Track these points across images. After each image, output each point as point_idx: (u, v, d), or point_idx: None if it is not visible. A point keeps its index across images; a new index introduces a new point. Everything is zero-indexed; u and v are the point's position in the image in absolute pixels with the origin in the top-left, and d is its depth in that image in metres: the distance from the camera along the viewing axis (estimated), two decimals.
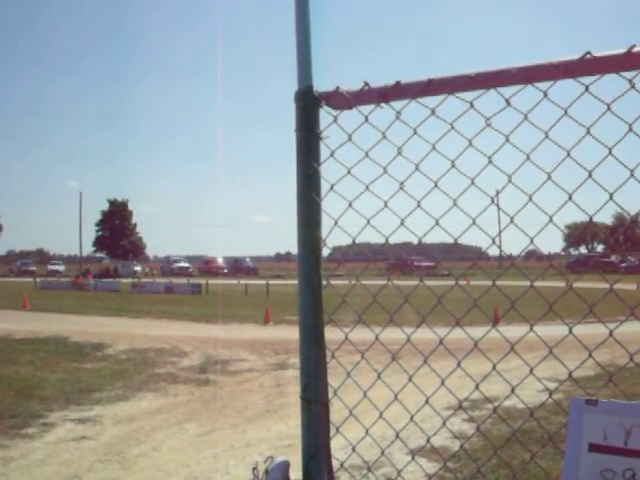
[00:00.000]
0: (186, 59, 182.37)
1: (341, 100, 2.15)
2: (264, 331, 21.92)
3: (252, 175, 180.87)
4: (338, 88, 2.16)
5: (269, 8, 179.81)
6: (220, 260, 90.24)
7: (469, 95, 1.96)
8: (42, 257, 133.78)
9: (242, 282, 51.99)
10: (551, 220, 1.86)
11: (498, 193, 1.95)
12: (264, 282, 45.42)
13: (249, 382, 12.90)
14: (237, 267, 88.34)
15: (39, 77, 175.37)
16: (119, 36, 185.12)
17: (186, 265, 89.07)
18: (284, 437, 8.79)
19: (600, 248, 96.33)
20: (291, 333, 20.14)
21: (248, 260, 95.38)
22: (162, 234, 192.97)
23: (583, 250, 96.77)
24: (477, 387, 2.10)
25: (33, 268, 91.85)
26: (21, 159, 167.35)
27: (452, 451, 7.51)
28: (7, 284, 61.79)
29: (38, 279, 62.17)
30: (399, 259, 60.84)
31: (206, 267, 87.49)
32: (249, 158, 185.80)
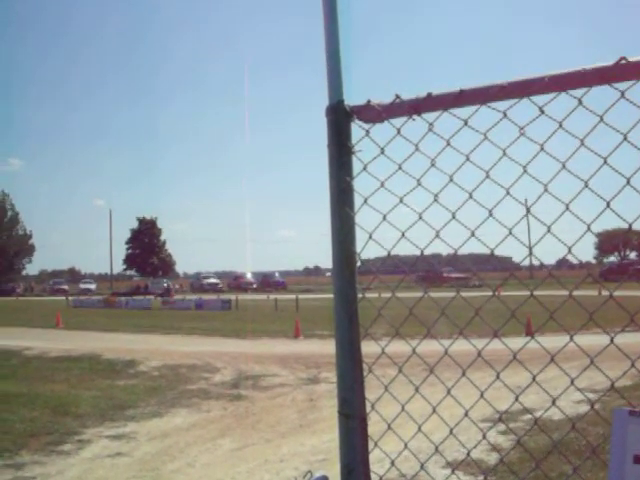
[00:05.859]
0: (215, 80, 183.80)
1: (372, 113, 2.15)
2: (295, 346, 21.88)
3: (276, 190, 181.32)
4: (369, 101, 2.16)
5: (297, 31, 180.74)
6: (249, 275, 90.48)
7: (502, 105, 1.95)
8: (74, 276, 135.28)
9: (271, 297, 52.06)
10: (589, 229, 1.84)
11: (533, 203, 1.93)
12: (293, 297, 45.37)
13: (281, 397, 12.88)
14: (266, 282, 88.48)
15: (67, 97, 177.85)
16: (146, 56, 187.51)
17: (216, 281, 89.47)
18: (318, 452, 8.75)
19: (633, 255, 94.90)
20: (322, 347, 20.13)
21: (277, 275, 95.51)
22: (191, 251, 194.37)
23: (614, 258, 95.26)
24: (517, 399, 2.07)
25: (65, 287, 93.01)
26: (50, 180, 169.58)
27: (488, 464, 7.42)
28: (40, 303, 62.60)
29: (70, 297, 62.89)
30: (429, 271, 60.59)
31: (235, 283, 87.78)
32: (272, 171, 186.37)
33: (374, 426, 2.44)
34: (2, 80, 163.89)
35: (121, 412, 11.55)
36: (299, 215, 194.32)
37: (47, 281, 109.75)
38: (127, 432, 10.17)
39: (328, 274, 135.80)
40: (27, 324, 33.86)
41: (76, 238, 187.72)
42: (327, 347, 19.83)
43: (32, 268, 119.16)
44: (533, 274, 62.22)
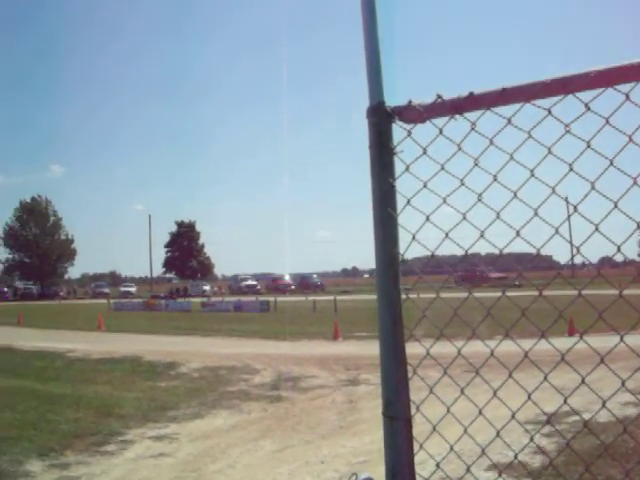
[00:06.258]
0: (253, 83, 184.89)
1: (414, 114, 2.14)
2: (334, 347, 21.89)
3: (313, 190, 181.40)
4: (410, 102, 2.15)
5: (335, 35, 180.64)
6: (287, 277, 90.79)
7: (546, 102, 1.92)
8: (114, 279, 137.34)
9: (310, 298, 52.13)
10: (639, 226, 1.80)
11: (581, 201, 1.89)
12: (331, 298, 45.38)
13: (321, 398, 12.89)
14: (304, 284, 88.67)
15: (106, 104, 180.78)
16: (183, 61, 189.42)
17: (254, 283, 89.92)
18: (359, 453, 8.74)
19: None
20: (361, 349, 20.10)
21: (315, 276, 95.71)
22: (229, 253, 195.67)
23: None
24: (565, 401, 2.04)
25: (106, 290, 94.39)
26: (91, 186, 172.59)
27: (532, 467, 7.32)
28: (82, 306, 63.64)
29: (111, 300, 63.80)
30: (468, 270, 60.08)
31: (273, 285, 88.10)
32: (309, 172, 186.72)
33: (416, 427, 2.43)
34: (43, 89, 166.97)
35: (163, 413, 11.67)
36: (337, 216, 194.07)
37: (89, 285, 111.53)
38: (169, 433, 10.27)
39: (366, 275, 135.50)
40: (70, 327, 34.47)
41: (117, 242, 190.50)
42: (366, 349, 19.79)
43: (74, 272, 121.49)
44: (575, 273, 61.37)
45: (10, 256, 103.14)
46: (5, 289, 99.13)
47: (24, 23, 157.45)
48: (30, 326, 36.03)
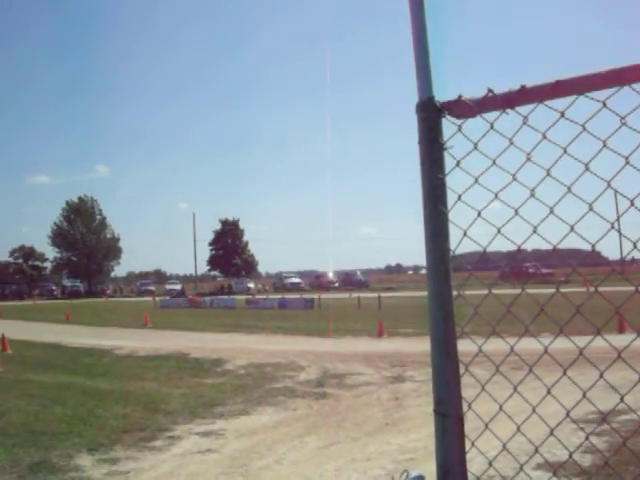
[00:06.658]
0: (295, 82, 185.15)
1: (464, 109, 2.11)
2: (378, 344, 21.84)
3: (356, 186, 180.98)
4: (461, 97, 2.13)
5: (383, 32, 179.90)
6: (331, 274, 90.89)
7: (601, 94, 1.88)
8: (160, 277, 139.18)
9: (354, 295, 52.08)
10: None
11: (637, 196, 1.84)
12: (375, 295, 45.27)
13: (366, 395, 12.87)
14: (348, 281, 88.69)
15: (150, 104, 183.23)
16: (228, 60, 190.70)
17: (298, 280, 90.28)
18: (405, 451, 8.70)
19: None
20: (406, 346, 20.04)
21: (359, 273, 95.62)
22: (273, 251, 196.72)
23: None
24: (622, 399, 2.00)
25: (152, 288, 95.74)
26: (136, 185, 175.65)
27: (583, 466, 7.20)
28: (129, 304, 64.62)
29: (157, 298, 64.67)
30: (514, 267, 59.33)
31: (317, 282, 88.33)
32: (352, 168, 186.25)
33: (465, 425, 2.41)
34: (89, 90, 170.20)
35: (209, 410, 11.79)
36: (380, 212, 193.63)
37: (134, 282, 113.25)
38: (216, 429, 10.37)
39: (410, 272, 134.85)
40: (117, 324, 35.06)
41: (161, 240, 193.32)
42: (411, 345, 19.74)
43: (120, 270, 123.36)
44: (624, 269, 60.11)
45: (58, 255, 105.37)
46: (53, 287, 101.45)
47: (70, 24, 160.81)
48: (78, 323, 36.80)
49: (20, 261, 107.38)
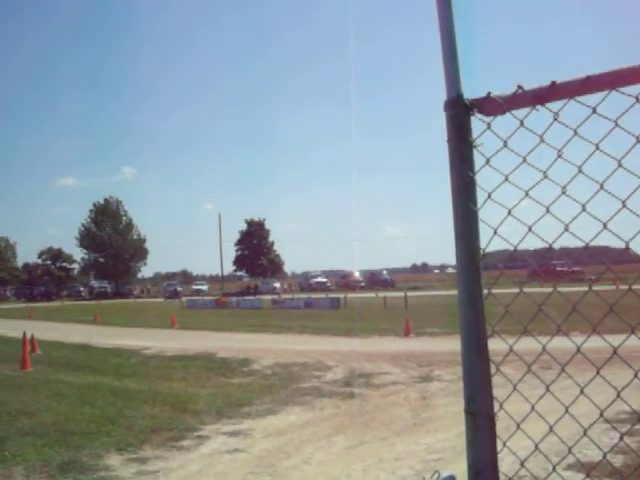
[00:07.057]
0: (317, 80, 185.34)
1: (493, 106, 2.10)
2: (405, 344, 21.75)
3: (381, 185, 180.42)
4: (490, 94, 2.11)
5: (410, 30, 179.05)
6: (357, 274, 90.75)
7: (634, 89, 1.85)
8: (186, 278, 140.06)
9: (380, 295, 51.96)
10: None
11: None
12: (402, 294, 45.11)
13: (394, 395, 12.82)
14: (374, 280, 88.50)
15: (176, 106, 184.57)
16: (252, 61, 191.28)
17: (324, 280, 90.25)
18: (433, 451, 8.66)
19: None
20: (433, 345, 19.95)
21: (385, 273, 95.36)
22: (299, 251, 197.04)
23: None
24: None
25: (179, 288, 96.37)
26: (162, 186, 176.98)
27: (615, 467, 7.10)
28: (156, 304, 65.08)
29: (184, 298, 65.06)
30: (542, 265, 58.83)
31: (343, 281, 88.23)
32: (377, 168, 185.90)
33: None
34: (115, 92, 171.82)
35: (237, 409, 11.82)
36: (405, 212, 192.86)
37: (161, 283, 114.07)
38: (243, 429, 10.40)
39: (436, 271, 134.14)
40: (144, 324, 35.38)
41: (188, 241, 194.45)
42: (438, 345, 19.66)
43: (147, 271, 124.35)
44: None
45: (86, 256, 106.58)
46: (81, 288, 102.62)
47: (99, 25, 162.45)
48: (106, 324, 37.21)
49: (48, 263, 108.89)
